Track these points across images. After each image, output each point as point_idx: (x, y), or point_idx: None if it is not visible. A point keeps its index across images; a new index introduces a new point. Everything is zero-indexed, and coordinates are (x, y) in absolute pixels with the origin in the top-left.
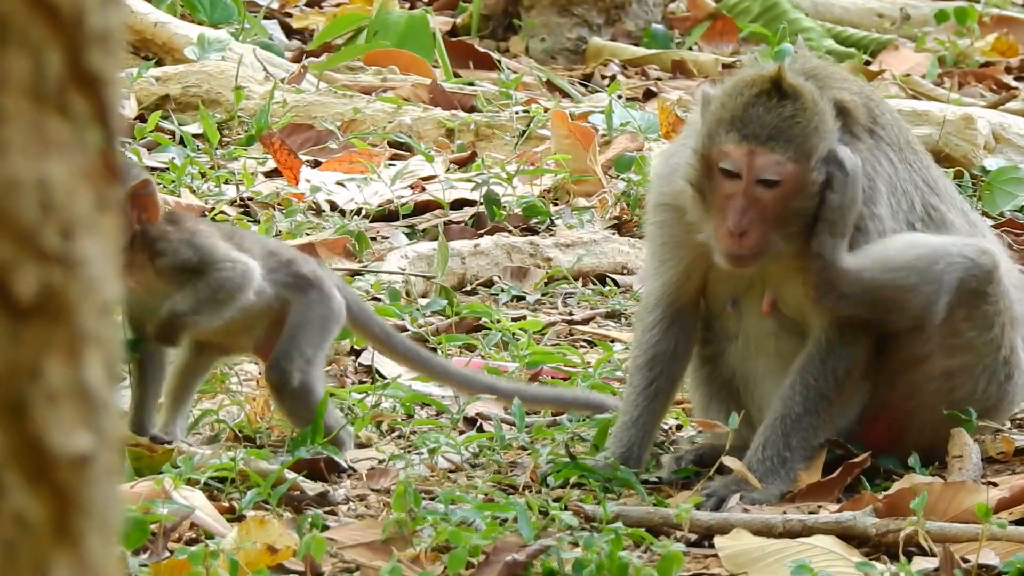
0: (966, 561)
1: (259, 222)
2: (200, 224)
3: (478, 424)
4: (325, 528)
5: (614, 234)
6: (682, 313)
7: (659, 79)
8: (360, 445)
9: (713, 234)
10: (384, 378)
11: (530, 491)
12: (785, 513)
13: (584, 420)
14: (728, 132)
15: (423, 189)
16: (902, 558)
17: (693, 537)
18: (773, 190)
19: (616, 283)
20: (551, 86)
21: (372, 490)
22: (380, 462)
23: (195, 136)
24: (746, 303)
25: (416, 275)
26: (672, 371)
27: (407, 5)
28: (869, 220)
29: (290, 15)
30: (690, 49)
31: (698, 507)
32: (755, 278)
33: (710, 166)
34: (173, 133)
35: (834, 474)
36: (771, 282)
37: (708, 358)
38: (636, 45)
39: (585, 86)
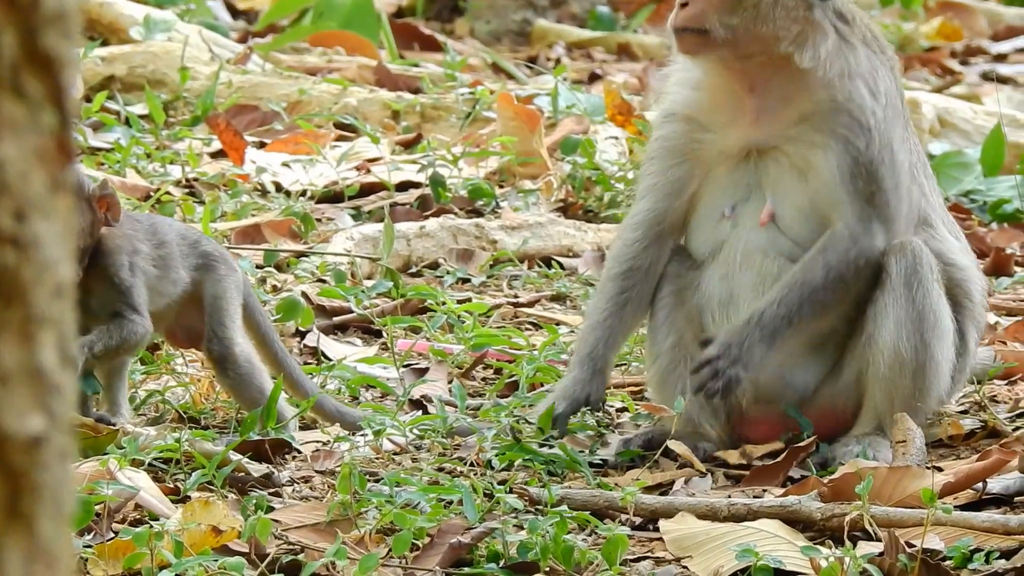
0: (911, 546)
1: (204, 203)
2: (137, 255)
3: (423, 406)
4: (270, 510)
5: (560, 216)
6: (663, 236)
7: (604, 62)
8: (305, 427)
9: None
10: (329, 360)
11: (475, 473)
12: (730, 496)
13: (530, 403)
14: None
15: (369, 171)
16: (847, 543)
17: (638, 520)
18: None
19: (561, 266)
20: (497, 68)
21: (317, 472)
22: (325, 444)
23: (141, 116)
24: (743, 212)
25: (362, 257)
26: (645, 287)
27: None
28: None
29: None
30: (635, 32)
31: (700, 389)
32: (754, 184)
33: None
34: (119, 113)
35: (779, 458)
36: (773, 189)
37: (676, 298)
38: (581, 27)
39: (531, 68)
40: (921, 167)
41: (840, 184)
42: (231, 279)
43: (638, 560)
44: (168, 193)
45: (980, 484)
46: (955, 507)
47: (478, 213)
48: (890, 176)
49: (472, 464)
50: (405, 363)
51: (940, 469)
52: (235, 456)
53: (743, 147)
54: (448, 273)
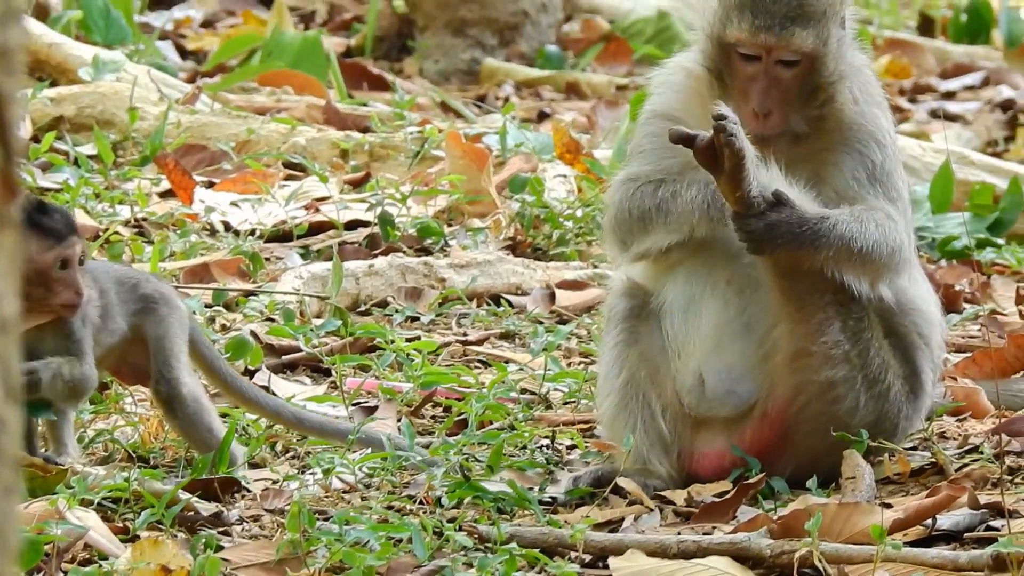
0: None
1: (153, 243)
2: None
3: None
4: (219, 549)
5: (508, 255)
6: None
7: (553, 100)
8: (254, 465)
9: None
10: (278, 398)
11: (425, 511)
12: (680, 534)
13: (481, 442)
14: (740, 20)
15: (317, 210)
16: None
17: (588, 558)
18: (793, 69)
19: (510, 304)
20: (445, 107)
21: (266, 510)
22: (274, 482)
23: (89, 157)
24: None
25: (310, 295)
26: None
27: (301, 26)
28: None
29: (184, 36)
30: (584, 70)
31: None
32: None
33: (727, 50)
34: (67, 154)
35: (728, 494)
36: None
37: (628, 335)
38: (530, 66)
39: (479, 107)
40: None
41: (859, 186)
42: (173, 317)
43: None
44: (117, 233)
45: (930, 520)
46: (905, 543)
47: (427, 251)
48: (901, 198)
49: (421, 502)
50: (354, 401)
51: (889, 505)
52: (184, 495)
53: None
54: (397, 311)
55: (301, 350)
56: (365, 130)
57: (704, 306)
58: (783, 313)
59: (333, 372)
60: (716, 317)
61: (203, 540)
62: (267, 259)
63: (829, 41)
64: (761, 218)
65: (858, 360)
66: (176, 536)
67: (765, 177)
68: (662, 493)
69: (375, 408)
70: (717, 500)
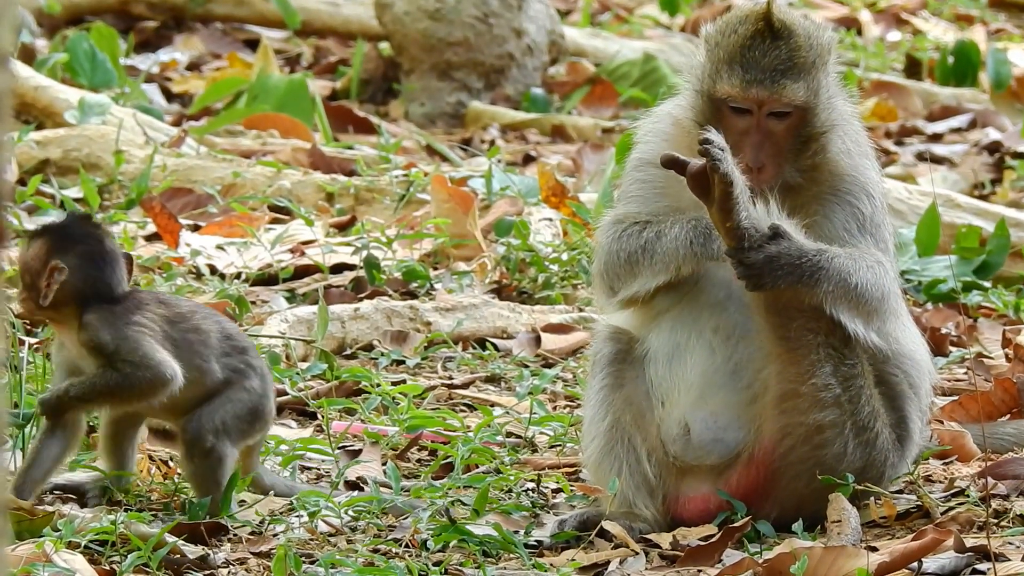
0: None
1: (140, 285)
2: (146, 314)
3: (358, 487)
4: None
5: (494, 298)
6: None
7: (539, 143)
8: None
9: None
10: (267, 442)
11: (410, 555)
12: None
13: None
14: (731, 75)
15: (303, 253)
16: None
17: None
18: (785, 121)
19: (496, 347)
20: (431, 150)
21: (252, 553)
22: (260, 525)
23: (76, 200)
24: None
25: (296, 339)
26: None
27: (287, 69)
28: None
29: (170, 79)
30: (569, 113)
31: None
32: None
33: (717, 105)
34: (54, 197)
35: (715, 538)
36: None
37: (614, 379)
38: (516, 109)
39: (465, 150)
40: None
41: (850, 236)
42: (258, 396)
43: None
44: None
45: (916, 564)
46: None
47: (412, 295)
48: (888, 250)
49: (407, 545)
50: (340, 445)
51: (875, 549)
52: (171, 538)
53: None
54: (383, 355)
55: (287, 393)
56: (351, 173)
57: (690, 354)
58: (773, 354)
59: (319, 415)
60: (702, 365)
61: None
62: (253, 303)
63: (820, 92)
64: (760, 251)
65: (849, 406)
66: None
67: (758, 211)
68: (648, 536)
69: (360, 451)
70: (703, 543)
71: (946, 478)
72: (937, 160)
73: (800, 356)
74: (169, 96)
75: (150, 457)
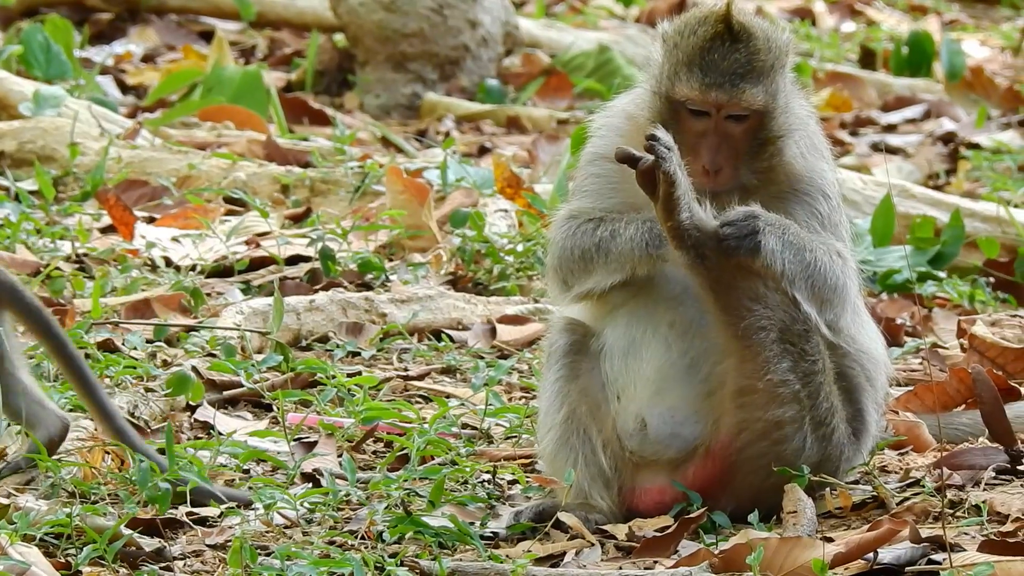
0: None
1: (94, 278)
2: None
3: (314, 480)
4: None
5: (449, 290)
6: None
7: (494, 134)
8: (196, 503)
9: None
10: (221, 434)
11: (366, 546)
12: (621, 568)
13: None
14: (690, 77)
15: (258, 245)
16: None
17: None
18: (743, 124)
19: (451, 339)
20: (386, 142)
21: (208, 546)
22: (216, 518)
23: (30, 192)
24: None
25: (251, 331)
26: None
27: (241, 61)
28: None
29: (125, 71)
30: (524, 105)
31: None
32: None
33: (674, 106)
34: (8, 189)
35: (671, 529)
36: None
37: (569, 371)
38: (471, 101)
39: (420, 141)
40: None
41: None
42: None
43: None
44: (58, 269)
45: (871, 554)
46: None
47: (368, 287)
48: (847, 248)
49: (363, 537)
50: (295, 437)
51: (831, 539)
52: (126, 531)
53: None
54: (338, 347)
55: (242, 385)
56: (306, 165)
57: (645, 349)
58: (729, 349)
59: (274, 407)
60: (658, 360)
61: (145, 575)
62: (208, 294)
63: (777, 95)
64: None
65: (808, 401)
66: (118, 572)
67: (702, 212)
68: (604, 527)
69: (316, 443)
70: (659, 535)
71: (901, 469)
72: (892, 150)
73: (755, 352)
74: (124, 88)
75: (104, 449)
